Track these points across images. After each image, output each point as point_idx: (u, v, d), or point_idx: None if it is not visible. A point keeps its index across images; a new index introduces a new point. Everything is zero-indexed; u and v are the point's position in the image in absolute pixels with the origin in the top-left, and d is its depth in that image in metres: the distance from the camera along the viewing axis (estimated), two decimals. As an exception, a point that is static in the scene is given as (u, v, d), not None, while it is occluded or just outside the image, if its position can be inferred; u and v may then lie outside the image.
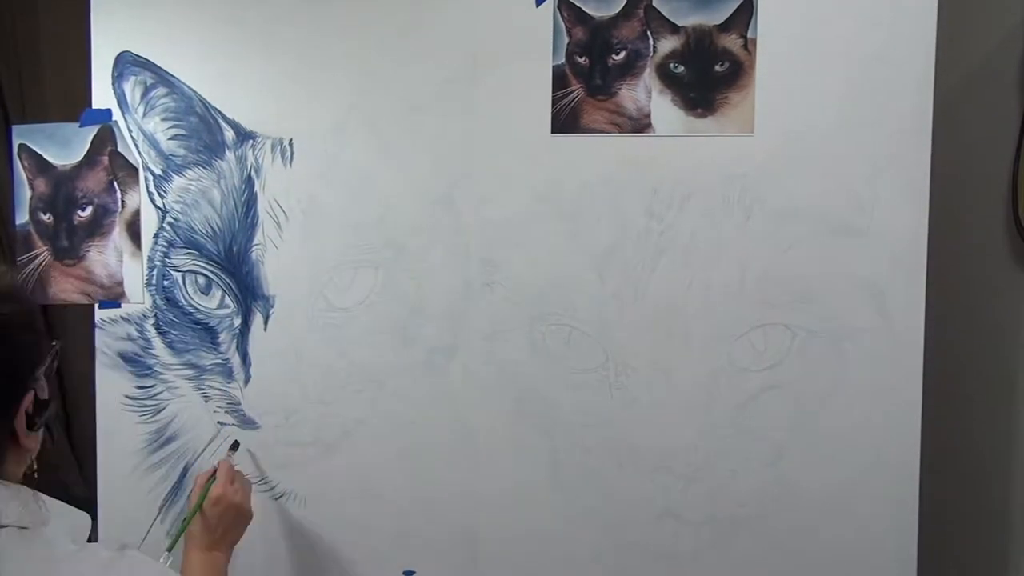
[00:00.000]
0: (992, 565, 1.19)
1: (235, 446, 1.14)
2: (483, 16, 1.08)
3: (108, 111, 1.16)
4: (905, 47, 1.03)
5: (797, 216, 1.05)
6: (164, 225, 1.16)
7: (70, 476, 1.51)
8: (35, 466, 0.73)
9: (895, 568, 1.07)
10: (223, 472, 1.05)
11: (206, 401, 1.16)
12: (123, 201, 1.17)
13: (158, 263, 1.16)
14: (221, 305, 1.15)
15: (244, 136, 1.13)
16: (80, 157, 1.17)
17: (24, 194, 1.18)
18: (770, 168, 1.05)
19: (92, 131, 1.16)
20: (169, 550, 1.01)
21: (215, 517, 1.01)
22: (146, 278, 1.17)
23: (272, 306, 1.14)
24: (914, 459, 1.06)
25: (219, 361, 1.15)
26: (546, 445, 1.11)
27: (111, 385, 1.17)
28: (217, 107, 1.14)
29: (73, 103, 1.20)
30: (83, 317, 1.28)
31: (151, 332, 1.17)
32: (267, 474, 1.15)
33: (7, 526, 0.67)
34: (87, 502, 1.28)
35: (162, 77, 1.14)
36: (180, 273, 1.15)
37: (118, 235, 1.17)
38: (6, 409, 0.69)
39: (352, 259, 1.12)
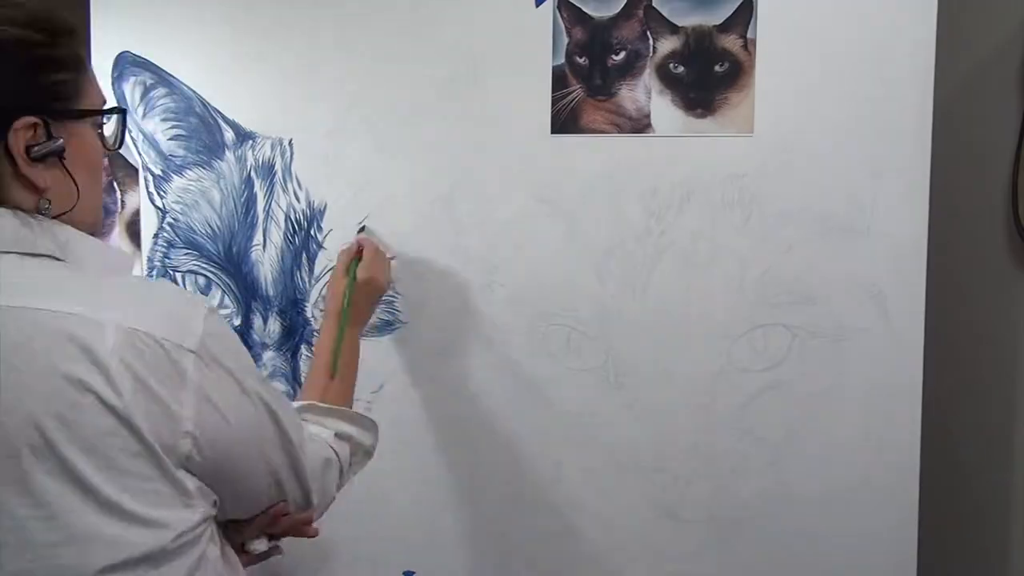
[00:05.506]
0: (992, 565, 1.19)
1: (363, 228, 1.12)
2: (483, 16, 1.08)
3: (108, 111, 1.16)
4: (905, 47, 1.03)
5: (797, 216, 1.05)
6: (164, 225, 1.16)
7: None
8: (48, 206, 0.66)
9: (895, 568, 1.07)
10: (370, 251, 1.04)
11: (206, 401, 1.16)
12: (123, 201, 1.17)
13: (158, 263, 1.16)
14: (220, 305, 1.14)
15: (244, 136, 1.13)
16: (80, 157, 1.17)
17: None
18: (770, 168, 1.05)
19: (92, 131, 1.16)
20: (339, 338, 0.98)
21: (364, 297, 1.02)
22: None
23: (271, 306, 1.14)
24: (914, 459, 1.06)
25: (219, 361, 1.15)
26: (546, 445, 1.11)
27: (111, 385, 1.17)
28: (217, 107, 1.14)
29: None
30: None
31: (151, 332, 1.16)
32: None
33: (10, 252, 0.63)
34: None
35: (162, 77, 1.14)
36: (180, 273, 1.15)
37: (118, 235, 1.17)
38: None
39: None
